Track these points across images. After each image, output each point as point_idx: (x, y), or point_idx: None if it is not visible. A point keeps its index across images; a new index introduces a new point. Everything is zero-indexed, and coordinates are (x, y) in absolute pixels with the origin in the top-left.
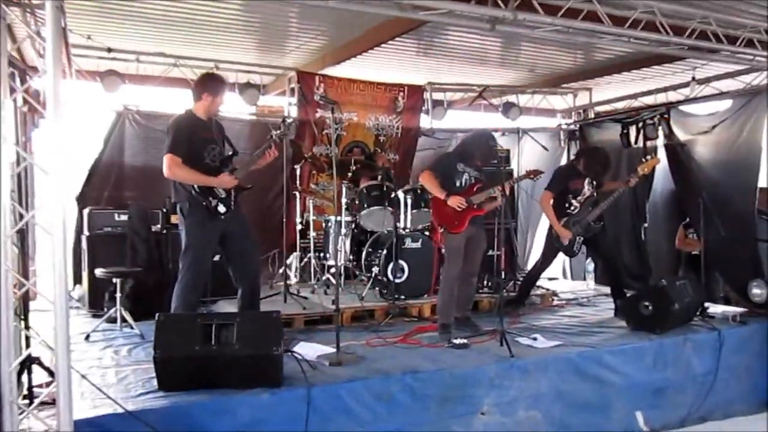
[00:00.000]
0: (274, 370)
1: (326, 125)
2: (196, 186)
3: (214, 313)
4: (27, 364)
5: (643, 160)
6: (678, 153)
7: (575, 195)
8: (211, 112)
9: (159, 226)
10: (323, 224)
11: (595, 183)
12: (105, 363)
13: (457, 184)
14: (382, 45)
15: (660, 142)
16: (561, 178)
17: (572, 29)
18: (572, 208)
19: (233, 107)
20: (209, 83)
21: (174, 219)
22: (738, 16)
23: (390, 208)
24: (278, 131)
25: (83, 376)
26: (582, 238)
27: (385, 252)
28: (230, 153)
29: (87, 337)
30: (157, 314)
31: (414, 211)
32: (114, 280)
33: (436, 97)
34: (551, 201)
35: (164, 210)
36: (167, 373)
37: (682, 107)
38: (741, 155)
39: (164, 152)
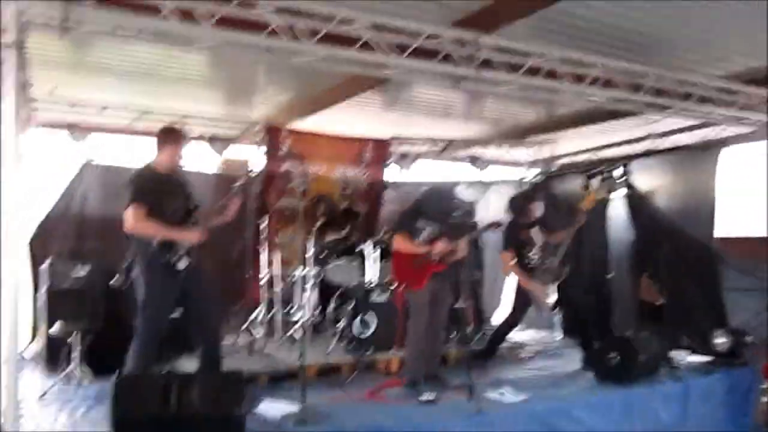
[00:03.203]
0: (237, 431)
1: (292, 178)
2: (154, 242)
3: (174, 373)
4: None
5: (582, 196)
6: (638, 205)
7: (530, 247)
8: (171, 165)
9: (119, 281)
10: (288, 277)
11: (546, 230)
12: (59, 426)
13: (418, 240)
14: (349, 99)
15: (620, 193)
16: (510, 234)
17: (533, 87)
18: (532, 262)
19: (197, 160)
20: (170, 137)
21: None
22: (691, 74)
23: (355, 262)
24: (239, 183)
25: None
26: (555, 287)
27: (351, 306)
28: (192, 207)
29: (42, 396)
30: (116, 373)
31: (381, 262)
32: (71, 337)
33: (402, 150)
34: (511, 258)
35: (126, 263)
36: None
37: (641, 160)
38: (697, 207)
39: (126, 206)
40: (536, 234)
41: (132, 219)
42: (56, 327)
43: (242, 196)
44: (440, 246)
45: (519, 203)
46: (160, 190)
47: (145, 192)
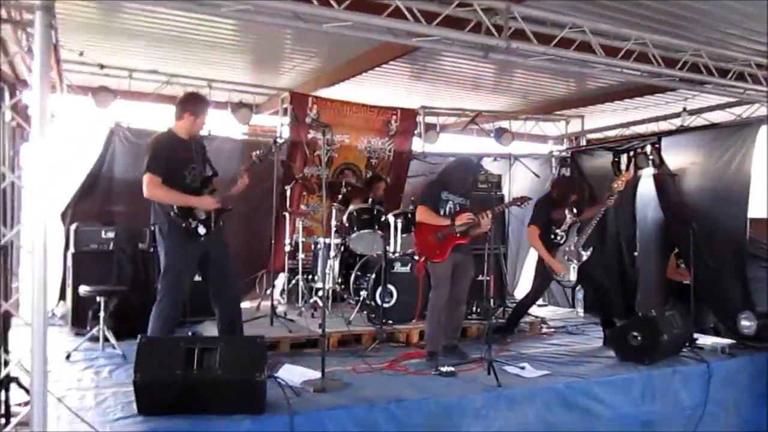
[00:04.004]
0: (257, 396)
1: (318, 146)
2: (175, 207)
3: (197, 336)
4: (4, 383)
5: (616, 176)
6: (668, 183)
7: (558, 225)
8: (192, 131)
9: (146, 244)
10: (312, 246)
11: (576, 210)
12: (84, 384)
13: (442, 213)
14: (376, 68)
15: (649, 171)
16: (542, 211)
17: (565, 59)
18: (558, 237)
19: (225, 126)
20: (191, 102)
21: None
22: (729, 50)
23: (380, 232)
24: (258, 152)
25: (59, 400)
26: (576, 266)
27: (373, 276)
28: (210, 173)
29: (68, 357)
30: (139, 336)
31: (404, 235)
32: (98, 298)
33: (429, 121)
34: (538, 234)
35: (152, 228)
36: (147, 397)
37: (673, 137)
38: (730, 186)
39: (143, 171)
40: (569, 213)
41: (148, 185)
42: (83, 288)
43: (265, 164)
44: (463, 219)
45: (564, 188)
46: (179, 157)
47: (162, 158)
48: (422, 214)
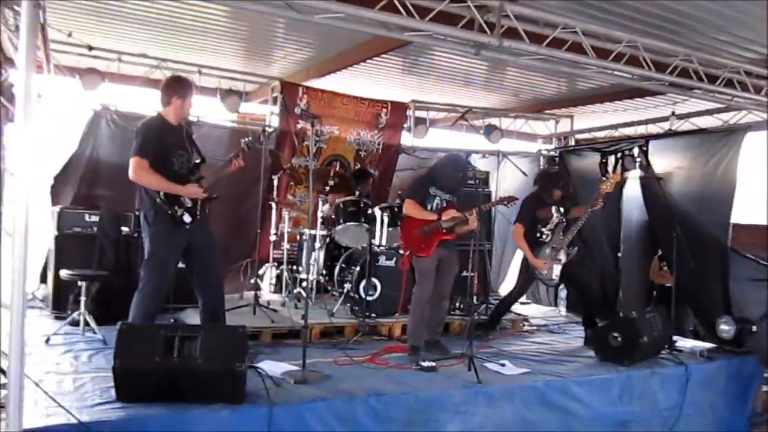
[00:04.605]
0: (237, 386)
1: (307, 137)
2: (161, 193)
3: (178, 324)
4: None
5: (603, 178)
6: (654, 186)
7: (545, 223)
8: (182, 115)
9: (130, 228)
10: (297, 236)
11: (562, 209)
12: (63, 369)
13: (429, 208)
14: (368, 60)
15: (636, 173)
16: (529, 209)
17: (556, 59)
18: (544, 236)
19: (214, 113)
20: (176, 86)
21: None
22: (719, 56)
23: (366, 225)
24: (247, 139)
25: (37, 384)
26: (559, 266)
27: (358, 268)
28: (198, 161)
29: (47, 340)
30: (119, 322)
31: (390, 228)
32: (79, 282)
33: (419, 115)
34: (523, 232)
35: (136, 213)
36: (126, 383)
37: (660, 140)
38: (715, 192)
39: (131, 155)
40: (556, 212)
41: (135, 168)
42: (64, 272)
43: (252, 153)
44: (450, 214)
45: (547, 183)
46: (168, 142)
47: (150, 143)
48: (409, 208)
